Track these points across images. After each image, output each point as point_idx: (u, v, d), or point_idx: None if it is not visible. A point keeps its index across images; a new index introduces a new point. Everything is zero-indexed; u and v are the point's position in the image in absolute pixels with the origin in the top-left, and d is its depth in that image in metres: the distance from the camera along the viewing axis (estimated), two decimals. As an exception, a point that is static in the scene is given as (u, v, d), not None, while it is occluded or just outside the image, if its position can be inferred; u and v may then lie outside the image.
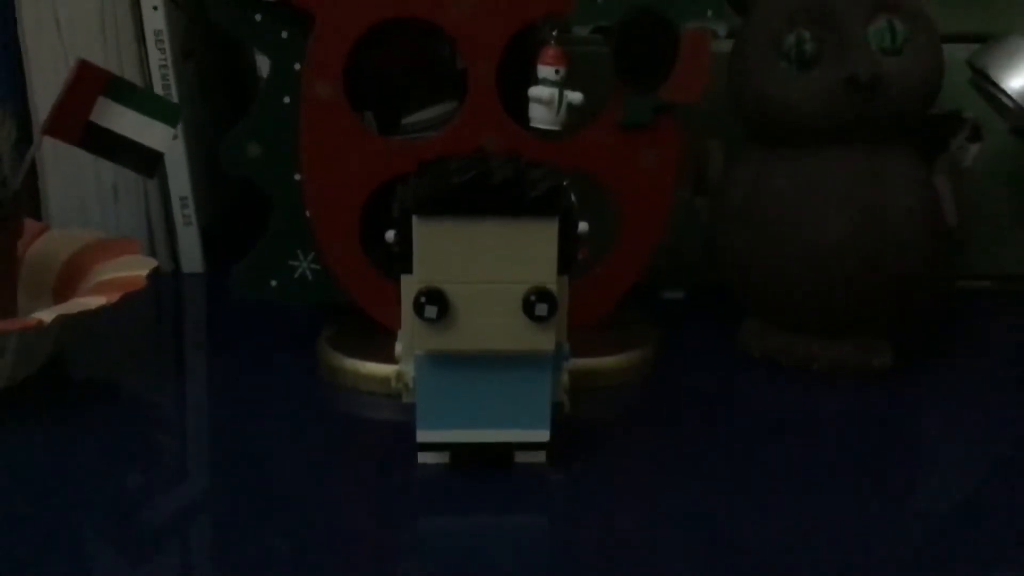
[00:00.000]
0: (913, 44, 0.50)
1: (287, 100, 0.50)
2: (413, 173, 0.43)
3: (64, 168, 0.65)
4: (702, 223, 0.55)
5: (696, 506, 0.42)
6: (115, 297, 0.48)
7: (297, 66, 0.49)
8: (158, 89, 0.63)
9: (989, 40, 0.55)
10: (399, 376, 0.43)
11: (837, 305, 0.52)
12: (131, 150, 0.51)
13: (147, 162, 0.52)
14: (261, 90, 0.51)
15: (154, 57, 0.64)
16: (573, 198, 0.42)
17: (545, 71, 0.48)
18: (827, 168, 0.51)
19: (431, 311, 0.41)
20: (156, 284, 0.52)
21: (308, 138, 0.49)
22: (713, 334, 0.57)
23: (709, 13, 0.49)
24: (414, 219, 0.41)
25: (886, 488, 0.44)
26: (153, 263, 0.52)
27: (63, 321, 0.47)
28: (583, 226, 0.42)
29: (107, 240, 0.56)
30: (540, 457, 0.44)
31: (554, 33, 0.48)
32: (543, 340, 0.41)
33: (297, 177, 0.50)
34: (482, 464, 0.43)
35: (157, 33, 0.63)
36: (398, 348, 0.43)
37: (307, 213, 0.50)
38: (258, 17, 0.49)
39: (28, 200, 0.64)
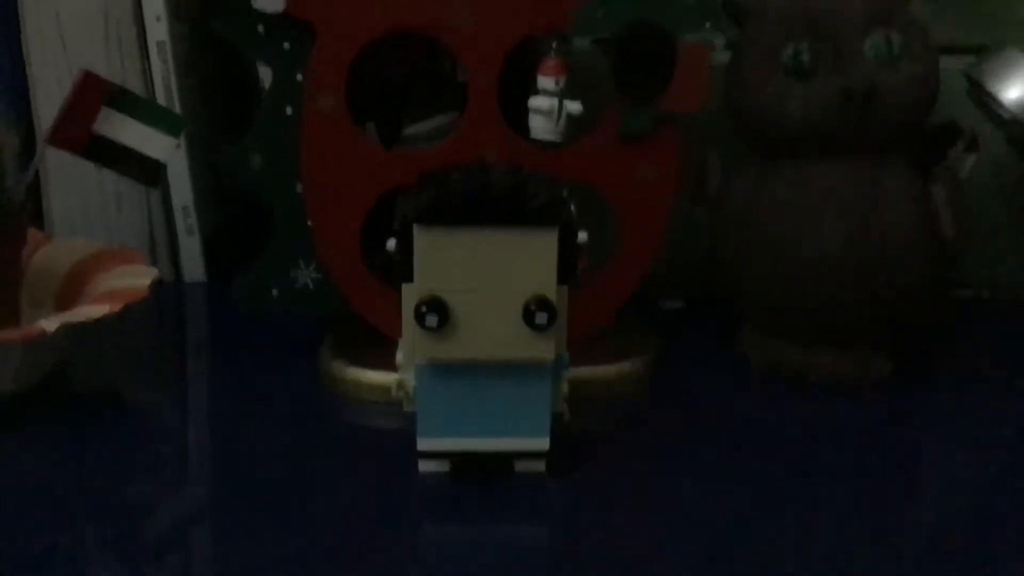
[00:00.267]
0: (909, 56, 0.50)
1: (289, 111, 0.50)
2: (414, 184, 0.43)
3: (67, 178, 0.65)
4: (701, 233, 0.55)
5: (695, 515, 0.42)
6: (118, 306, 0.48)
7: (299, 77, 0.49)
8: (161, 100, 0.64)
9: (985, 52, 0.55)
10: (400, 385, 0.44)
11: (835, 315, 0.52)
12: (134, 160, 0.51)
13: (150, 172, 0.52)
14: (263, 101, 0.51)
15: (157, 68, 0.64)
16: (573, 208, 0.42)
17: (545, 82, 0.48)
18: (824, 179, 0.51)
19: (432, 320, 0.41)
20: (158, 293, 0.52)
21: (310, 149, 0.50)
22: (712, 344, 0.57)
23: (707, 25, 0.49)
24: (415, 228, 0.41)
25: (884, 498, 0.44)
26: (155, 273, 0.52)
27: (66, 331, 0.47)
28: (583, 236, 0.42)
29: (110, 250, 0.56)
30: (540, 466, 0.44)
31: (554, 44, 0.48)
32: (543, 349, 0.42)
33: (299, 188, 0.50)
34: (482, 473, 0.43)
35: (160, 44, 0.63)
36: (399, 357, 0.43)
37: (309, 223, 0.51)
38: (260, 29, 0.49)
39: (31, 210, 0.64)
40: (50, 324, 0.46)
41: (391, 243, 0.42)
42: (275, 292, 0.52)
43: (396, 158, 0.50)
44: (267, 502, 0.42)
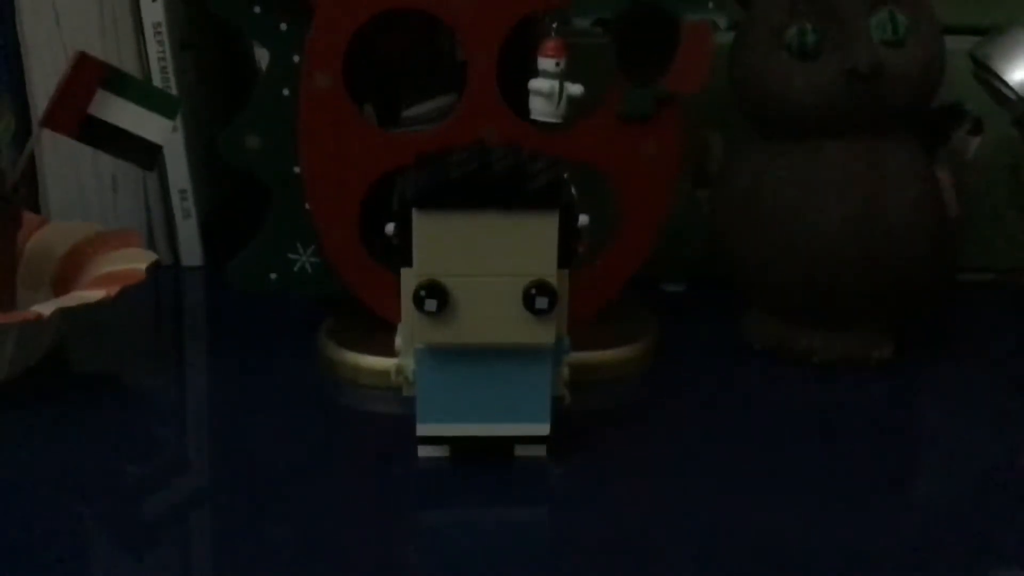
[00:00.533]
0: (915, 36, 0.50)
1: (286, 92, 0.50)
2: (413, 165, 0.43)
3: (63, 161, 0.65)
4: (703, 215, 0.55)
5: (696, 498, 0.42)
6: (114, 290, 0.48)
7: (296, 58, 0.49)
8: (157, 81, 0.63)
9: (991, 32, 0.55)
10: (399, 369, 0.43)
11: (838, 297, 0.51)
12: (130, 143, 0.51)
13: (146, 155, 0.52)
14: (260, 82, 0.51)
15: (153, 49, 0.63)
16: (573, 191, 0.41)
17: (545, 63, 0.47)
18: (828, 160, 0.50)
19: (431, 304, 0.41)
20: (155, 277, 0.52)
21: (307, 130, 0.49)
22: (714, 326, 0.57)
23: (710, 4, 0.48)
24: (414, 212, 0.40)
25: (887, 480, 0.44)
26: (153, 256, 0.52)
27: (62, 314, 0.47)
28: (583, 219, 0.41)
29: (106, 233, 0.56)
30: (540, 451, 0.44)
31: (554, 25, 0.47)
32: (543, 333, 0.41)
33: (296, 170, 0.50)
34: (482, 458, 0.43)
35: (156, 25, 0.63)
36: (398, 341, 0.43)
37: (307, 206, 0.50)
38: (257, 9, 0.49)
39: (27, 193, 0.64)
40: (46, 308, 0.46)
41: (390, 227, 0.42)
42: (273, 275, 0.52)
43: (395, 140, 0.50)
44: (265, 486, 0.42)
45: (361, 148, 0.49)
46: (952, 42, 0.52)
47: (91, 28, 0.63)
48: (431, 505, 0.42)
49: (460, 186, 0.40)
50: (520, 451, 0.44)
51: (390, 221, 0.42)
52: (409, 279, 0.41)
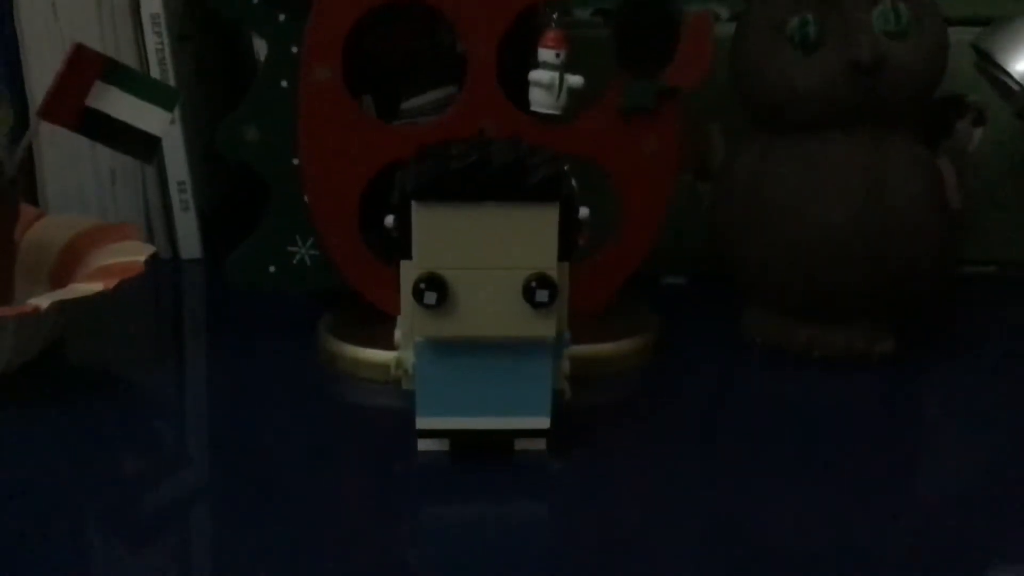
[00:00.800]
0: (918, 27, 0.50)
1: (285, 84, 0.49)
2: (412, 158, 0.42)
3: (61, 153, 0.65)
4: (704, 208, 0.55)
5: (696, 493, 0.42)
6: (113, 283, 0.48)
7: (295, 50, 0.49)
8: (155, 73, 0.63)
9: (994, 23, 0.55)
10: (398, 363, 0.43)
11: (839, 291, 0.51)
12: (128, 135, 0.51)
13: (145, 147, 0.51)
14: (259, 74, 0.50)
15: (151, 41, 0.63)
16: (574, 183, 0.41)
17: (546, 54, 0.47)
18: (830, 152, 0.50)
19: (431, 297, 0.40)
20: (154, 270, 0.52)
21: (306, 123, 0.49)
22: (715, 320, 0.57)
23: (711, -4, 0.48)
24: (413, 204, 0.40)
25: (888, 475, 0.44)
26: (151, 249, 0.52)
27: (60, 307, 0.47)
28: (584, 211, 0.41)
29: (105, 225, 0.56)
30: (540, 444, 0.43)
31: (555, 16, 0.47)
32: (543, 327, 0.41)
33: (295, 162, 0.50)
34: (482, 451, 0.43)
35: (154, 17, 0.63)
36: (397, 334, 0.43)
37: (305, 199, 0.50)
38: (255, 0, 0.48)
39: (25, 185, 0.64)
40: (44, 301, 0.46)
41: (389, 219, 0.41)
42: (272, 269, 0.52)
43: (394, 132, 0.50)
44: (265, 480, 0.42)
45: (360, 141, 0.49)
46: (955, 33, 0.52)
47: (89, 20, 0.63)
48: (431, 499, 0.42)
49: (460, 178, 0.40)
50: (520, 445, 0.43)
51: (389, 213, 0.41)
52: (409, 272, 0.41)
